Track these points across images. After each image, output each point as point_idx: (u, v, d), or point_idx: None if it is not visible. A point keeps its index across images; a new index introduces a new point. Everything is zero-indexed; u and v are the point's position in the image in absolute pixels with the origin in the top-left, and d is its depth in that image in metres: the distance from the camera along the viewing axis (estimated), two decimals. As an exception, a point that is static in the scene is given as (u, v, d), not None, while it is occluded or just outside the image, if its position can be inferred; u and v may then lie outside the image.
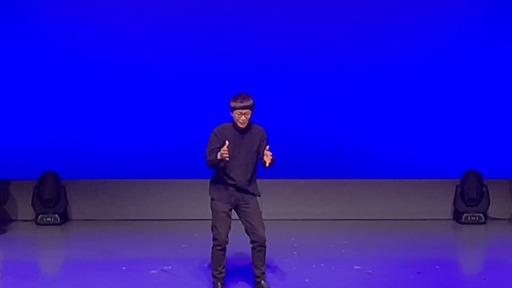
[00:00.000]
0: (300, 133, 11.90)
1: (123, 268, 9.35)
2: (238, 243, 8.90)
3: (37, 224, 11.85)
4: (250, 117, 8.02)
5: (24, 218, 12.10)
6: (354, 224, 11.87)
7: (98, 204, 12.13)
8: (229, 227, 8.20)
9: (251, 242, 8.25)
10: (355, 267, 9.38)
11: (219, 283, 8.33)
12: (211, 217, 11.91)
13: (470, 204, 11.88)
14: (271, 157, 7.90)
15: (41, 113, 11.97)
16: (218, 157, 7.89)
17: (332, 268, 9.35)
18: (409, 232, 11.45)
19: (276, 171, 11.25)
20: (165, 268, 9.32)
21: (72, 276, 9.11)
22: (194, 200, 12.03)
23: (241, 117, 7.97)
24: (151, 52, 11.94)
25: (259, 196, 8.28)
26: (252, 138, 8.08)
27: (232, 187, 8.13)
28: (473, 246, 11.04)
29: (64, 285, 8.78)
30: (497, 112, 12.03)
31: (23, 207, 12.07)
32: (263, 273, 8.35)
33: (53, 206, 11.86)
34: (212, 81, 11.97)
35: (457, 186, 12.02)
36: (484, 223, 11.88)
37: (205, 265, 9.40)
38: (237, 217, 8.32)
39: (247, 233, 8.27)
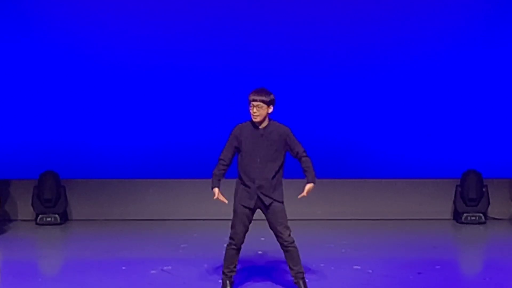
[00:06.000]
0: (300, 133, 11.86)
1: (123, 268, 9.35)
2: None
3: (37, 224, 11.85)
4: (266, 113, 8.01)
5: (24, 218, 12.10)
6: (354, 224, 11.87)
7: (98, 204, 12.13)
8: (247, 228, 8.16)
9: (279, 243, 8.22)
10: (355, 267, 9.38)
11: (227, 281, 8.30)
12: (213, 217, 11.99)
13: (470, 204, 11.89)
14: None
15: (41, 113, 11.96)
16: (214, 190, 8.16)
17: (332, 268, 9.35)
18: (409, 232, 11.46)
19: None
20: (165, 268, 9.33)
21: (72, 276, 9.11)
22: (194, 200, 12.04)
23: (253, 109, 8.01)
24: (151, 53, 11.94)
25: (280, 202, 8.16)
26: (272, 137, 8.05)
27: (252, 187, 8.07)
28: (473, 246, 11.05)
29: (64, 285, 8.78)
30: (497, 112, 12.02)
31: (23, 207, 12.08)
32: (299, 272, 8.20)
33: (53, 206, 11.87)
34: (211, 81, 11.97)
35: (457, 186, 12.02)
36: (484, 223, 11.89)
37: (205, 265, 9.41)
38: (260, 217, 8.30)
39: (273, 232, 8.25)
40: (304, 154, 8.16)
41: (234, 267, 8.29)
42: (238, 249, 8.22)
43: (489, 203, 11.97)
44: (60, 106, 11.98)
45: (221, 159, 8.19)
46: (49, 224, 11.82)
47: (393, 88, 12.02)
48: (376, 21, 11.91)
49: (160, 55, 11.94)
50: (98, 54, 11.93)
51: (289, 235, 8.15)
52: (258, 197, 8.08)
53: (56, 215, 11.87)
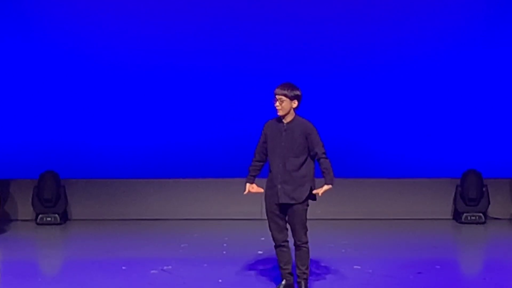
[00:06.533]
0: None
1: (123, 268, 9.35)
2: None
3: (37, 224, 11.85)
4: (289, 107, 7.99)
5: (24, 218, 12.10)
6: (354, 224, 11.87)
7: (98, 204, 12.13)
8: (280, 225, 8.09)
9: (293, 240, 8.19)
10: (355, 267, 9.38)
11: (284, 281, 8.22)
12: (213, 217, 11.99)
13: (470, 204, 11.88)
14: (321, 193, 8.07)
15: (41, 113, 11.97)
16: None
17: (332, 268, 9.35)
18: (409, 232, 11.46)
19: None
20: (165, 268, 9.32)
21: (72, 276, 9.11)
22: (194, 200, 12.04)
23: (276, 103, 8.02)
24: (151, 53, 11.94)
25: (301, 201, 8.08)
26: (295, 132, 8.02)
27: (276, 182, 8.03)
28: (473, 246, 11.05)
29: (64, 285, 8.77)
30: (497, 112, 12.03)
31: (23, 207, 12.07)
32: (303, 273, 8.19)
33: (53, 206, 11.86)
34: (211, 81, 11.97)
35: (457, 186, 12.02)
36: (484, 223, 11.88)
37: (205, 265, 9.40)
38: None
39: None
40: (323, 155, 8.06)
41: (285, 264, 8.16)
42: (281, 246, 8.14)
43: (489, 203, 11.97)
44: (60, 106, 11.98)
45: (254, 155, 8.20)
46: (49, 224, 11.81)
47: (393, 88, 12.02)
48: (376, 21, 11.91)
49: (160, 55, 11.94)
50: (98, 54, 11.93)
51: (305, 234, 8.13)
52: (281, 190, 8.01)
53: (56, 215, 11.86)
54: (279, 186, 8.03)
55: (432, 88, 12.01)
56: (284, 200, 8.04)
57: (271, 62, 11.89)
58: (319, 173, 8.15)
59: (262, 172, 8.26)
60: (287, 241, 8.17)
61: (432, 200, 12.14)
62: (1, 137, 11.97)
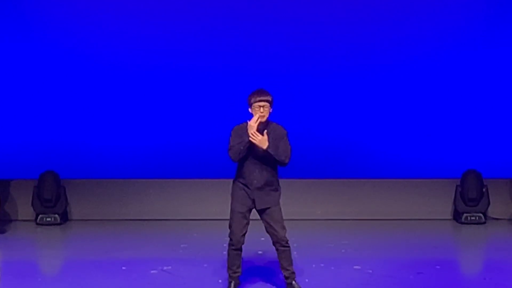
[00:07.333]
0: (300, 133, 11.88)
1: (123, 268, 9.36)
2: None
3: (37, 224, 11.85)
4: (269, 113, 8.07)
5: (24, 218, 12.11)
6: (354, 224, 11.87)
7: (98, 204, 12.13)
8: (245, 228, 8.16)
9: (273, 243, 8.24)
10: (355, 267, 9.38)
11: (232, 282, 8.31)
12: (213, 217, 12.00)
13: (470, 204, 11.89)
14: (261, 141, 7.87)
15: (41, 113, 11.96)
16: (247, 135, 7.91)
17: (332, 268, 9.36)
18: (409, 232, 11.46)
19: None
20: (165, 268, 9.33)
21: (72, 276, 9.12)
22: (194, 200, 12.05)
23: (259, 110, 8.03)
24: (151, 53, 11.94)
25: (276, 204, 8.16)
26: (271, 137, 8.04)
27: (249, 186, 8.09)
28: (473, 246, 11.05)
29: (64, 285, 8.78)
30: (497, 112, 12.02)
31: (23, 207, 12.08)
32: (292, 273, 8.26)
33: (53, 206, 11.87)
34: (211, 81, 11.97)
35: (457, 186, 12.03)
36: (484, 223, 11.89)
37: (205, 265, 9.41)
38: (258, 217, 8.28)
39: (268, 233, 8.25)
40: (287, 154, 8.09)
41: (237, 267, 8.28)
42: (238, 250, 8.22)
43: (489, 203, 11.97)
44: (60, 106, 11.98)
45: (231, 145, 8.08)
46: (49, 224, 11.82)
47: (393, 88, 12.01)
48: (376, 21, 11.90)
49: (160, 55, 11.94)
50: (98, 54, 11.93)
51: (285, 234, 8.18)
52: (256, 195, 8.08)
53: (56, 215, 11.87)
54: (255, 192, 8.08)
55: (432, 88, 12.01)
56: (262, 205, 8.11)
57: (271, 62, 11.90)
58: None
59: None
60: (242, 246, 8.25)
61: (432, 200, 12.14)
62: (1, 137, 11.97)
